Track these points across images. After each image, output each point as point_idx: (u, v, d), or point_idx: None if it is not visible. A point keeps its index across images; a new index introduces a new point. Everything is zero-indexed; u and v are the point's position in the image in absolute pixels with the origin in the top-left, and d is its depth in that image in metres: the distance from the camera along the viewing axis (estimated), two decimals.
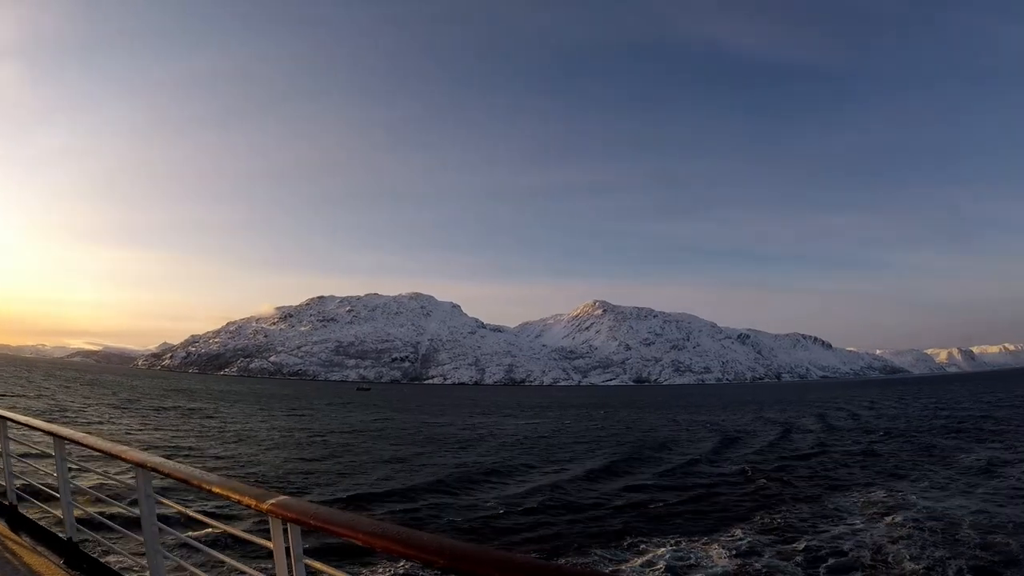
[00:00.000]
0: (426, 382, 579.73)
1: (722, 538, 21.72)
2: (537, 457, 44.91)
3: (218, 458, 38.35)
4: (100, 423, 54.83)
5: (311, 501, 4.39)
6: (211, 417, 70.41)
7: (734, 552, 19.96)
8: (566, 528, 24.03)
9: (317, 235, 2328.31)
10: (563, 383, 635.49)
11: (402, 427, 70.28)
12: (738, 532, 22.40)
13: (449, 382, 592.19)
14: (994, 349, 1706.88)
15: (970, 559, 18.11)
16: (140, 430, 51.70)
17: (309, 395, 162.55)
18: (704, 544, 21.32)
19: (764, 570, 18.47)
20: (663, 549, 20.53)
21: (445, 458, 42.58)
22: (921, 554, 18.70)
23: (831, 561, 19.29)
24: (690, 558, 19.89)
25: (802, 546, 20.71)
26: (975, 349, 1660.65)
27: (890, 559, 18.52)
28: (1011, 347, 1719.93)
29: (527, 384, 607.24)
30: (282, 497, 3.93)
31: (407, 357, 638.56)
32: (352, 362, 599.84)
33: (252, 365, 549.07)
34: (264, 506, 3.94)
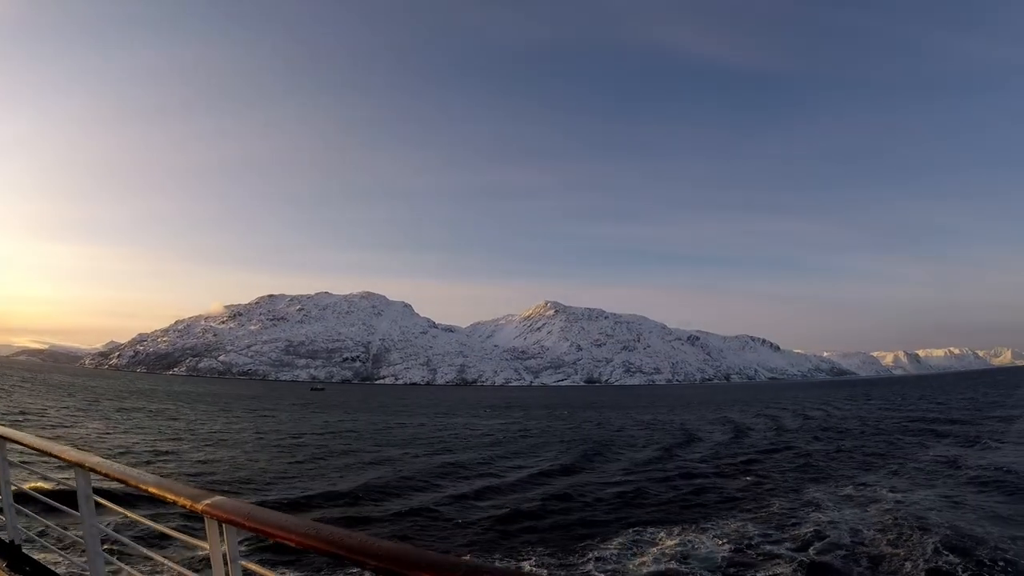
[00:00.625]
0: (377, 382, 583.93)
1: (711, 528, 22.29)
2: (526, 454, 45.76)
3: (202, 463, 37.74)
4: (67, 427, 53.16)
5: (250, 502, 4.28)
6: (176, 419, 69.68)
7: (724, 542, 20.17)
8: (563, 518, 24.56)
9: (267, 233, 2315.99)
10: (515, 383, 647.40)
11: (378, 428, 69.77)
12: (728, 524, 22.68)
13: (401, 382, 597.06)
14: (939, 352, 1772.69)
15: (940, 547, 18.45)
16: (110, 433, 50.39)
17: (265, 396, 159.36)
18: (688, 533, 21.77)
19: (755, 558, 18.66)
20: (652, 542, 20.70)
21: (435, 458, 42.66)
22: (897, 542, 19.17)
23: (812, 552, 19.37)
24: (688, 545, 20.19)
25: (779, 537, 20.89)
26: (921, 352, 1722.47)
27: (866, 552, 18.70)
28: (956, 351, 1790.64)
29: (479, 384, 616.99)
30: (217, 497, 3.85)
31: (358, 357, 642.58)
32: (303, 362, 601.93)
33: (201, 364, 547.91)
34: (199, 506, 3.87)
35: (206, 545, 4.03)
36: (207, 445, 46.40)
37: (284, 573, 16.65)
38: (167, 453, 40.48)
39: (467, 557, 16.43)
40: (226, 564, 3.94)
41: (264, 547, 17.30)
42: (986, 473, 31.39)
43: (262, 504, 15.52)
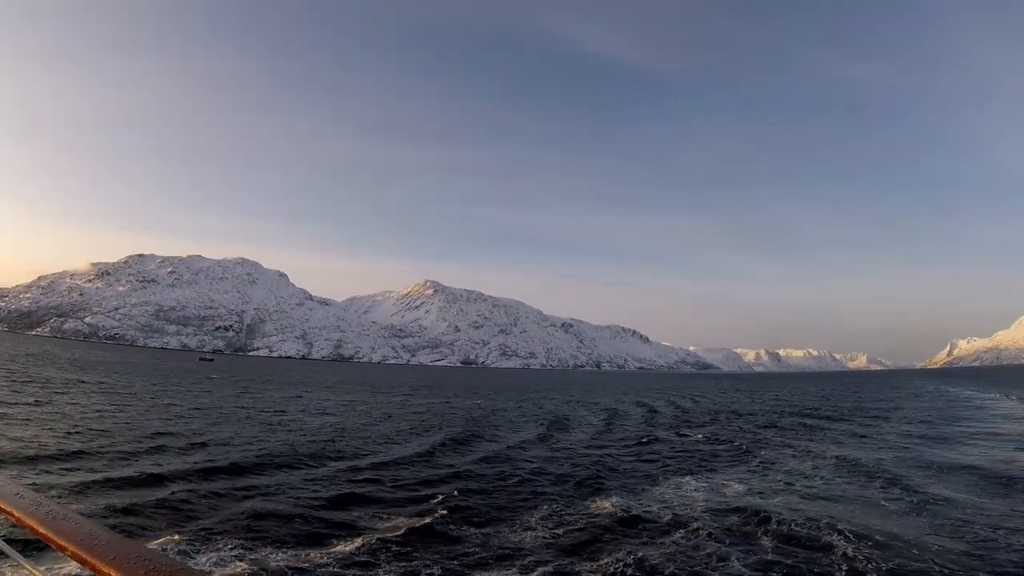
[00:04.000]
0: (251, 354, 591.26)
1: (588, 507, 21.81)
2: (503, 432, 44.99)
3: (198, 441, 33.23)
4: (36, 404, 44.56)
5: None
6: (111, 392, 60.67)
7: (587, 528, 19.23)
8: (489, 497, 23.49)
9: (139, 189, 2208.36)
10: (392, 361, 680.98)
11: (373, 407, 65.74)
12: (592, 510, 21.31)
13: (275, 355, 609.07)
14: (799, 353, 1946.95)
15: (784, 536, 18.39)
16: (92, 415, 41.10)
17: (153, 365, 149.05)
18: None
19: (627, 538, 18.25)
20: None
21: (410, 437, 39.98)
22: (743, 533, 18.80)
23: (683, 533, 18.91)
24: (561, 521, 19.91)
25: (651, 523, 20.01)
26: (781, 351, 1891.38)
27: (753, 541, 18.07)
28: (814, 352, 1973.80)
29: (356, 361, 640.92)
30: None
31: (231, 326, 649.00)
32: (173, 328, 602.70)
33: (66, 326, 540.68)
34: None
35: None
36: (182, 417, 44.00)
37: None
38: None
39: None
40: None
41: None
42: (844, 464, 31.68)
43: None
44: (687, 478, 27.76)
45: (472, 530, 18.62)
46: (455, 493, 23.01)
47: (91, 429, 33.93)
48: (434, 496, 22.60)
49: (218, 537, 16.51)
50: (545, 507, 21.43)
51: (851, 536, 17.96)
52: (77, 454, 26.40)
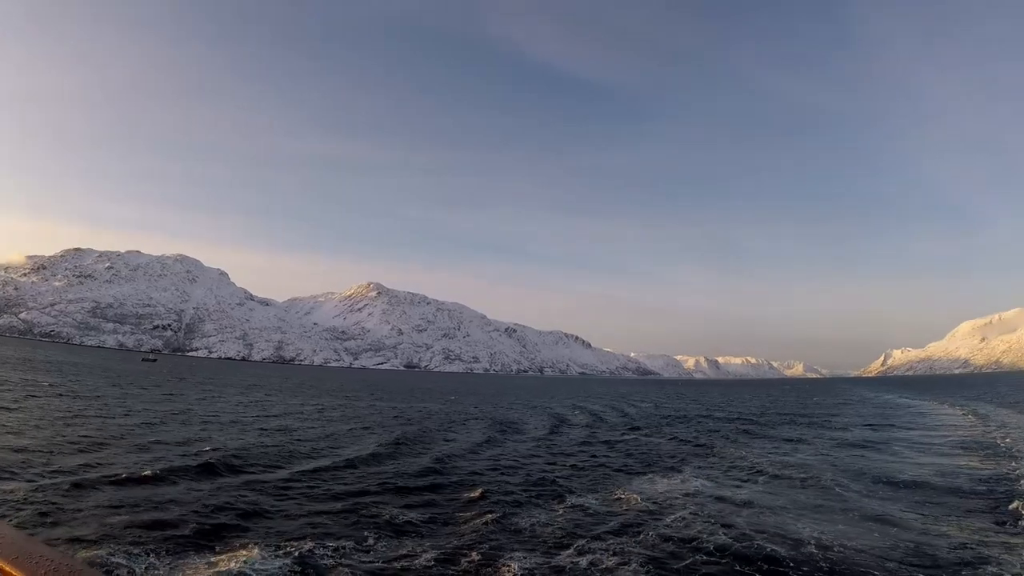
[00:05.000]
0: (189, 354, 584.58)
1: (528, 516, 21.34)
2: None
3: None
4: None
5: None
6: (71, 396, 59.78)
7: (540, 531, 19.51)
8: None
9: (74, 179, 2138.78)
10: (334, 364, 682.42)
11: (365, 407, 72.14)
12: (546, 514, 21.55)
13: (215, 356, 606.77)
14: (737, 360, 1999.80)
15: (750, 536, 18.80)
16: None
17: (101, 365, 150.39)
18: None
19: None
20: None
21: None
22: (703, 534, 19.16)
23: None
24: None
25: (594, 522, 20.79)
26: (720, 359, 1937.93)
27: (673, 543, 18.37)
28: (752, 360, 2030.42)
29: (297, 363, 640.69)
30: None
31: (170, 325, 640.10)
32: (111, 326, 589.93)
33: (0, 322, 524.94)
34: None
35: None
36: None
37: None
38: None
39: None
40: None
41: None
42: (790, 464, 33.15)
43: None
44: (635, 481, 28.49)
45: (416, 535, 18.82)
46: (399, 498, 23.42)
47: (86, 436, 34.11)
48: (377, 498, 23.19)
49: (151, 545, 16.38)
50: (490, 514, 21.27)
51: (789, 541, 18.39)
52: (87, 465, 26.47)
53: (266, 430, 43.70)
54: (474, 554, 17.02)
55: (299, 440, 39.25)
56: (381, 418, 59.28)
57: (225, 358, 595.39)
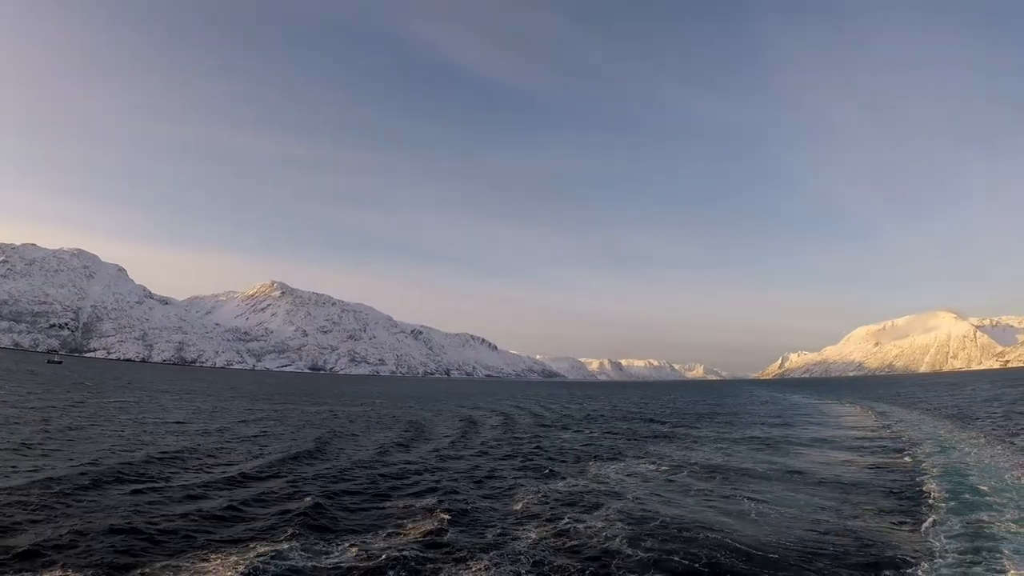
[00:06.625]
0: (87, 355, 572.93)
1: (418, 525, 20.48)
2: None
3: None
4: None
5: None
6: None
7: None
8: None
9: None
10: (237, 366, 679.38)
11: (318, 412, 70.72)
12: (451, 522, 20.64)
13: (114, 357, 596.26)
14: (640, 362, 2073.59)
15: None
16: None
17: (8, 367, 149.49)
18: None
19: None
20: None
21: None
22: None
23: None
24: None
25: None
26: (623, 361, 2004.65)
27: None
28: (655, 362, 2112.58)
29: (199, 365, 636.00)
30: None
31: (67, 324, 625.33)
32: (5, 324, 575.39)
33: None
34: None
35: None
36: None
37: None
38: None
39: None
40: None
41: None
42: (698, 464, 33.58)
43: None
44: (546, 484, 28.29)
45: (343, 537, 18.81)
46: (318, 502, 22.87)
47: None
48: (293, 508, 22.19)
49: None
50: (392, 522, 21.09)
51: (707, 539, 18.56)
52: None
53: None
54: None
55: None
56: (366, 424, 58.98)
57: (124, 359, 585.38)
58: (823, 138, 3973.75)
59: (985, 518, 19.87)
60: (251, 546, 17.79)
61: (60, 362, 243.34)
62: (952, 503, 22.54)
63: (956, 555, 16.78)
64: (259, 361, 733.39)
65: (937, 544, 17.94)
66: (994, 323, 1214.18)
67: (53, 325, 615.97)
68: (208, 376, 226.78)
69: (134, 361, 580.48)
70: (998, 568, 15.52)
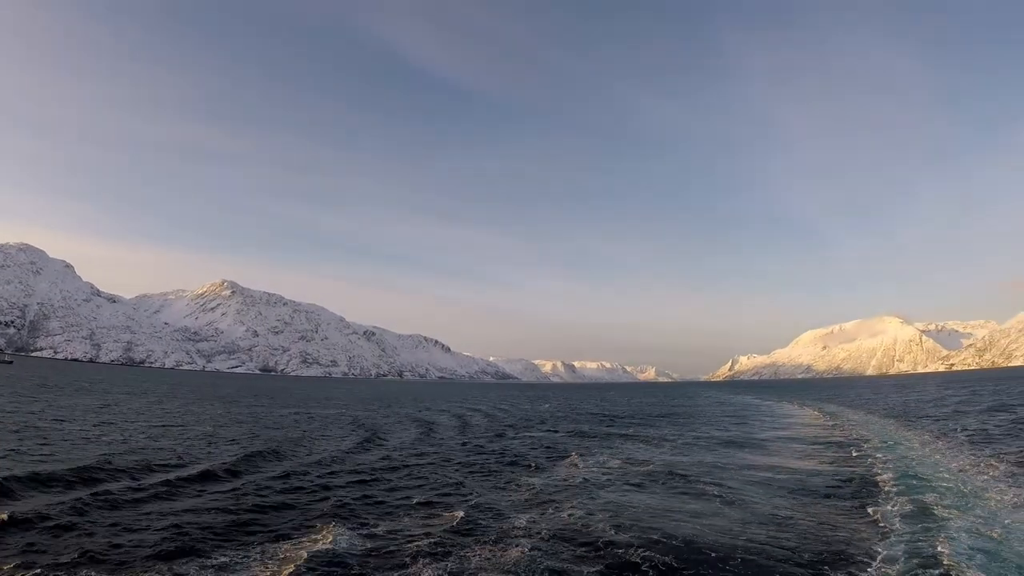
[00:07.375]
0: (33, 354, 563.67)
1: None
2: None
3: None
4: None
5: None
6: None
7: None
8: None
9: None
10: (186, 367, 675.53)
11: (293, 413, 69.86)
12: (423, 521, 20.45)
13: (60, 356, 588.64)
14: (593, 365, 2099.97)
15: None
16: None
17: None
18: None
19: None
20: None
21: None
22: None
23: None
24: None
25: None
26: (576, 363, 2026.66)
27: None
28: (607, 364, 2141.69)
29: (148, 366, 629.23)
30: None
31: (12, 323, 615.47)
32: None
33: None
34: None
35: None
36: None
37: None
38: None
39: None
40: None
41: None
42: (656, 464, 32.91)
43: None
44: (524, 476, 28.98)
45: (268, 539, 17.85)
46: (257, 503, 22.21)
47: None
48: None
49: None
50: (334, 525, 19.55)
51: (668, 538, 18.36)
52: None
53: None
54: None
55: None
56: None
57: (72, 359, 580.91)
58: (775, 146, 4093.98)
59: (930, 500, 21.93)
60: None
61: (11, 362, 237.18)
62: (901, 489, 24.52)
63: (908, 534, 18.29)
64: (209, 362, 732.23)
65: (889, 526, 19.53)
66: (939, 328, 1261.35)
67: None
68: (168, 379, 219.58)
69: (81, 361, 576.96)
70: (944, 540, 17.00)
